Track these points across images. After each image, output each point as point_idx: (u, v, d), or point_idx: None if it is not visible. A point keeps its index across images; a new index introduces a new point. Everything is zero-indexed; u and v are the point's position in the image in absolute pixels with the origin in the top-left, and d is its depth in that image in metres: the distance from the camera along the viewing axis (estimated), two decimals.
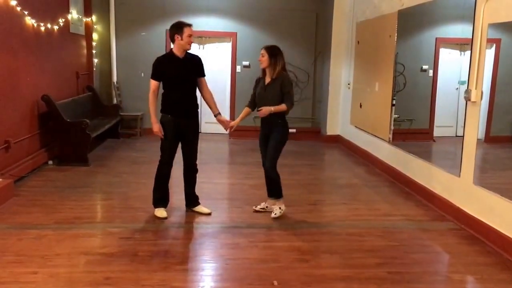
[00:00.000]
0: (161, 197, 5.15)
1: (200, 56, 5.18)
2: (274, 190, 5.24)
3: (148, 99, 4.99)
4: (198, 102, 5.17)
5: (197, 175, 5.31)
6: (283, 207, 5.27)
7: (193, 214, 5.27)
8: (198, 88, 5.14)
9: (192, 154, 5.19)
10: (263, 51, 5.07)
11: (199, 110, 5.16)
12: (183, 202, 5.54)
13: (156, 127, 4.99)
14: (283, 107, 5.03)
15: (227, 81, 10.38)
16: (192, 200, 5.30)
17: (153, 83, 4.99)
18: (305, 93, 10.43)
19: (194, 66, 5.06)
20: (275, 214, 5.20)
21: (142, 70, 10.02)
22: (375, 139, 7.79)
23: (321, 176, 7.50)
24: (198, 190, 5.76)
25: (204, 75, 5.15)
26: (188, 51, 5.02)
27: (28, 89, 6.72)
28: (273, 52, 5.02)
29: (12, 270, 3.80)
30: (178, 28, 4.90)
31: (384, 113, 7.31)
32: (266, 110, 4.99)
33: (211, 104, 5.22)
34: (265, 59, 5.02)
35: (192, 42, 4.97)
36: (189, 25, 4.93)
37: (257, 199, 5.81)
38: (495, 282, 3.88)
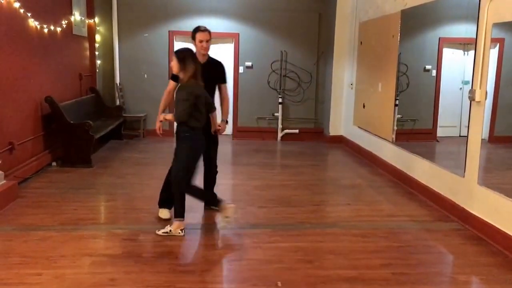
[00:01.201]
0: (167, 199, 5.13)
1: (218, 63, 5.16)
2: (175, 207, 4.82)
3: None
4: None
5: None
6: (174, 230, 4.62)
7: (197, 215, 5.27)
8: (219, 94, 5.19)
9: (215, 156, 5.32)
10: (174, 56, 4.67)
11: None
12: (188, 204, 5.53)
13: (158, 124, 4.91)
14: (169, 116, 4.69)
15: (230, 82, 10.36)
16: (214, 198, 5.13)
17: (170, 83, 5.05)
18: (307, 94, 10.43)
19: (215, 72, 5.02)
20: (158, 230, 4.65)
21: (145, 71, 10.05)
22: (378, 140, 7.78)
23: (324, 177, 7.49)
24: None
25: (224, 82, 5.17)
26: (212, 57, 5.02)
27: (32, 91, 6.73)
28: (181, 56, 4.55)
29: (17, 271, 3.80)
30: (192, 33, 4.97)
31: (387, 114, 7.30)
32: (158, 118, 4.80)
33: (224, 111, 5.26)
34: (174, 64, 4.59)
35: (205, 47, 4.91)
36: (201, 30, 4.90)
37: (261, 200, 5.83)
38: (500, 282, 3.87)
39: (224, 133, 5.44)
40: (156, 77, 9.86)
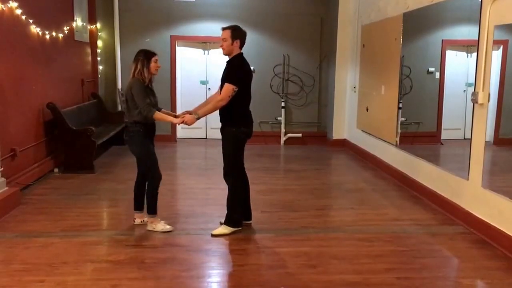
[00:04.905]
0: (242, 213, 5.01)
1: (230, 62, 4.86)
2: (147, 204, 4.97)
3: None
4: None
5: (229, 189, 4.96)
6: (158, 226, 4.88)
7: (200, 221, 5.25)
8: None
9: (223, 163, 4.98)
10: None
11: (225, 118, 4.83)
12: (190, 209, 5.54)
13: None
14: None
15: None
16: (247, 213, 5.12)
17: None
18: (310, 97, 10.41)
19: (224, 71, 4.86)
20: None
21: None
22: (382, 143, 7.75)
23: (328, 181, 7.45)
24: (204, 195, 5.76)
25: (227, 81, 4.67)
26: (230, 56, 4.83)
27: (34, 97, 6.73)
28: (135, 57, 4.77)
29: (19, 278, 3.79)
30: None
31: (390, 117, 7.27)
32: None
33: (205, 104, 4.98)
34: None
35: (221, 46, 4.85)
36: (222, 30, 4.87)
37: (264, 205, 5.80)
38: (505, 286, 3.83)
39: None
40: (158, 82, 9.76)
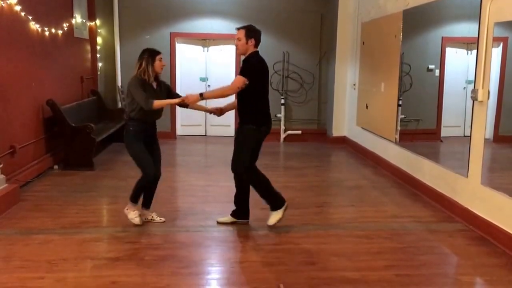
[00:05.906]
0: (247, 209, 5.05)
1: (246, 59, 4.87)
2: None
3: None
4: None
5: (250, 185, 4.99)
6: (130, 214, 4.90)
7: (200, 218, 5.25)
8: None
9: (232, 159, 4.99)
10: None
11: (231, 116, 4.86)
12: (190, 206, 5.54)
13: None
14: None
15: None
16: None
17: None
18: (310, 95, 10.40)
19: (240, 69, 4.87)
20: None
21: None
22: (381, 140, 7.74)
23: (328, 178, 7.46)
24: (204, 193, 5.74)
25: (239, 74, 4.74)
26: (245, 55, 4.87)
27: (33, 94, 6.73)
28: (140, 55, 4.80)
29: (19, 275, 3.79)
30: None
31: (390, 114, 7.26)
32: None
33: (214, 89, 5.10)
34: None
35: (236, 45, 4.87)
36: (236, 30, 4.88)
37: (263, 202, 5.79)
38: (504, 283, 3.83)
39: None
40: None
